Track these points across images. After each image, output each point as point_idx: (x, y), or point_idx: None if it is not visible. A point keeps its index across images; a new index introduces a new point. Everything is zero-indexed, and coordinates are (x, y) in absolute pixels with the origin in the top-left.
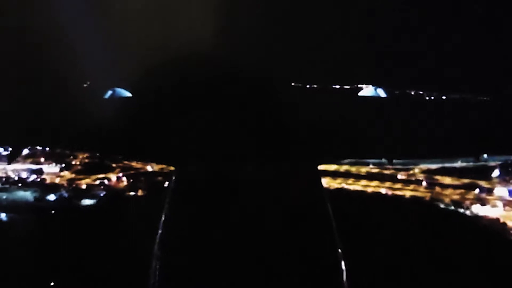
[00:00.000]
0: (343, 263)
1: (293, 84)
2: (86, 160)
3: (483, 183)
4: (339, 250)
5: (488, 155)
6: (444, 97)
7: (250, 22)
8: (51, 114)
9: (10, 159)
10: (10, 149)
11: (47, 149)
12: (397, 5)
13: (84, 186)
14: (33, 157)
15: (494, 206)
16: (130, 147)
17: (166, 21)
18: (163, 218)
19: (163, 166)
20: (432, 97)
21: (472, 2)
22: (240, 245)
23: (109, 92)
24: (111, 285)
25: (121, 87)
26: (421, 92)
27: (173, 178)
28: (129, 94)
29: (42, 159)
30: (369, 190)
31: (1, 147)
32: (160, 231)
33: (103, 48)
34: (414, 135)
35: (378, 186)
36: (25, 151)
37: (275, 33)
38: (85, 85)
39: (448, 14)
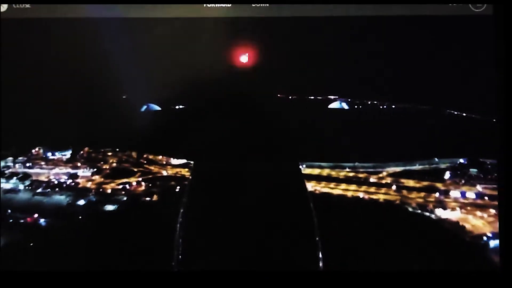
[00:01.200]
0: (318, 237)
1: (278, 95)
2: (114, 165)
3: (439, 185)
4: (316, 226)
5: (438, 158)
6: (393, 107)
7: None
8: (98, 122)
9: (56, 164)
10: (57, 153)
11: (84, 154)
12: (357, 37)
13: (109, 191)
14: (72, 161)
15: (453, 209)
16: (161, 147)
17: (187, 50)
18: (184, 201)
19: (185, 161)
20: (385, 107)
21: (418, 29)
22: (242, 221)
23: (144, 106)
24: (142, 258)
25: (153, 103)
26: (375, 102)
27: (192, 171)
28: (158, 108)
29: (79, 164)
30: (349, 194)
31: (49, 151)
32: (181, 211)
33: (141, 72)
34: (376, 140)
35: (357, 190)
36: (67, 156)
37: (265, 58)
38: (124, 97)
39: (397, 42)
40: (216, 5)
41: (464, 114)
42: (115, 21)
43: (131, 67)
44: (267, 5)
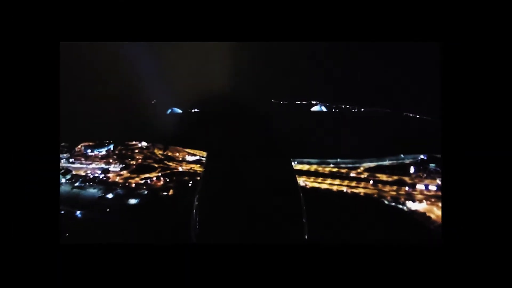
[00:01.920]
0: (305, 219)
1: (272, 100)
2: (140, 161)
3: (407, 179)
4: (304, 208)
5: (403, 155)
6: (362, 110)
7: (248, 70)
8: (133, 123)
9: (93, 159)
10: (97, 150)
11: (116, 151)
12: (333, 59)
13: (133, 185)
14: (106, 158)
15: (420, 201)
16: (181, 141)
17: (201, 68)
18: (200, 183)
19: (201, 153)
20: (356, 110)
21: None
22: (245, 204)
23: (169, 110)
24: (165, 229)
25: (176, 107)
26: (348, 106)
27: (207, 160)
28: (180, 111)
29: (111, 160)
30: (334, 188)
31: (89, 149)
32: (197, 196)
33: (167, 83)
34: (353, 139)
35: (341, 185)
36: (103, 153)
37: (262, 74)
38: (152, 102)
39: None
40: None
41: (417, 116)
42: (148, 47)
43: (159, 80)
44: (264, 42)
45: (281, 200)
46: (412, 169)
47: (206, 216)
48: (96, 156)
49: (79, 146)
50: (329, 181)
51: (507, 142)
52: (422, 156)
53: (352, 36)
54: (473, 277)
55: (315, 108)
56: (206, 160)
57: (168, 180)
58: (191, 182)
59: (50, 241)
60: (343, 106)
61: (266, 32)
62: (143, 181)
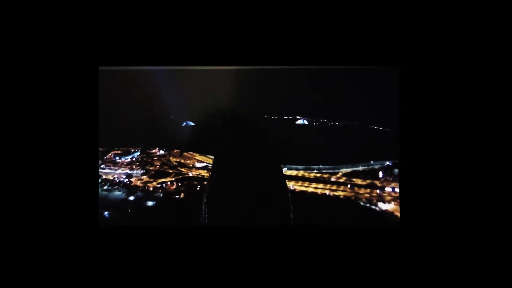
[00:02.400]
0: (291, 214)
1: (265, 116)
2: (157, 167)
3: (377, 183)
4: (289, 196)
5: (373, 161)
6: (337, 123)
7: (247, 92)
8: (155, 135)
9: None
10: (123, 157)
11: (139, 158)
12: (313, 82)
13: (151, 189)
14: (130, 164)
15: (389, 202)
16: (195, 149)
17: (210, 89)
18: (209, 180)
19: (209, 158)
20: (331, 124)
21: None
22: (244, 198)
23: (184, 123)
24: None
25: (190, 121)
26: (325, 120)
27: (214, 162)
28: (193, 124)
29: (134, 166)
30: (319, 191)
31: (117, 156)
32: (207, 186)
33: (182, 101)
34: (331, 148)
35: (324, 188)
36: (128, 160)
37: (258, 95)
38: (171, 117)
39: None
40: (225, 67)
41: (380, 128)
42: (169, 74)
43: (176, 99)
44: (264, 67)
45: (272, 192)
46: (380, 174)
47: (214, 208)
48: (122, 163)
49: (110, 154)
50: (314, 185)
51: (455, 153)
52: (388, 163)
53: (327, 62)
54: (425, 258)
55: (299, 122)
56: (213, 162)
57: (180, 184)
58: (199, 186)
59: (90, 226)
60: (321, 120)
61: (260, 60)
62: (159, 185)
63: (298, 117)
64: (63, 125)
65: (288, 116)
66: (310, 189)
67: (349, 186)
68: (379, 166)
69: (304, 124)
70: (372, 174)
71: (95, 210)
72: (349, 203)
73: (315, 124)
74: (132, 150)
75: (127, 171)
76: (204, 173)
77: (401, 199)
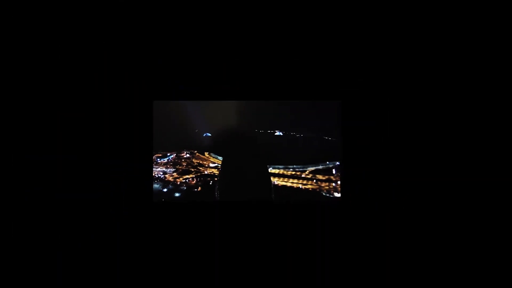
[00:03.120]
0: (273, 194)
1: (256, 130)
2: (184, 167)
3: (332, 178)
4: (271, 186)
5: (328, 162)
6: (302, 135)
7: (246, 114)
8: (185, 143)
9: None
10: (162, 159)
11: (172, 160)
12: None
13: (178, 183)
14: (166, 164)
15: (339, 192)
16: (212, 152)
17: (218, 112)
18: (219, 174)
19: (219, 159)
20: (298, 135)
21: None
22: (243, 185)
23: (204, 134)
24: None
25: (208, 132)
26: (293, 133)
27: (222, 161)
28: (210, 134)
29: (168, 165)
30: (294, 185)
31: (158, 158)
32: (217, 187)
33: (204, 120)
34: (300, 153)
35: (297, 183)
36: (165, 161)
37: (253, 116)
38: (196, 130)
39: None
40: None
41: (330, 139)
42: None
43: (200, 118)
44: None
45: (259, 187)
46: (334, 171)
47: (223, 192)
48: (161, 163)
49: (154, 157)
50: (290, 180)
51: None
52: (337, 163)
53: (285, 97)
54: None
55: (277, 133)
56: (222, 163)
57: (198, 180)
58: (211, 182)
59: (145, 200)
60: (291, 133)
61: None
62: (185, 181)
63: (276, 130)
64: (127, 135)
65: (269, 130)
66: (288, 184)
67: (314, 181)
68: (332, 165)
69: (280, 135)
70: (328, 171)
71: (150, 186)
72: (315, 193)
73: (288, 135)
74: (168, 154)
75: (164, 169)
76: (215, 171)
77: (342, 187)
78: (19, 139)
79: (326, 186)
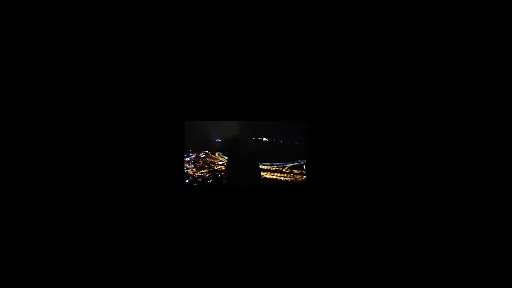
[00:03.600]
0: (261, 181)
1: (250, 137)
2: (200, 163)
3: (304, 171)
4: (261, 177)
5: (300, 160)
6: (281, 141)
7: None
8: (203, 145)
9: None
10: (187, 158)
11: (193, 159)
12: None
13: (196, 176)
14: (188, 161)
15: None
16: (220, 153)
17: (223, 126)
18: (225, 169)
19: (225, 158)
20: (280, 141)
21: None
22: (241, 172)
23: (216, 140)
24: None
25: (218, 138)
26: (276, 140)
27: (227, 161)
28: (219, 140)
29: (190, 162)
30: (278, 178)
31: (186, 157)
32: (225, 171)
33: (216, 131)
34: (280, 153)
35: (280, 176)
36: (187, 159)
37: (242, 128)
38: (210, 137)
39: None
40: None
41: (297, 143)
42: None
43: (213, 128)
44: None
45: (252, 177)
46: (304, 167)
47: (228, 182)
48: (185, 161)
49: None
50: (276, 174)
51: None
52: (305, 160)
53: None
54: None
55: (264, 140)
56: (227, 161)
57: (210, 174)
58: (219, 175)
59: (174, 184)
60: (273, 140)
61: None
62: (200, 174)
63: (263, 138)
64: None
65: (259, 138)
66: (274, 177)
67: (292, 174)
68: (303, 162)
69: (266, 141)
70: (301, 167)
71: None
72: (292, 183)
73: (272, 141)
74: (191, 154)
75: (187, 165)
76: (222, 167)
77: (307, 176)
78: (19, 139)
79: (301, 179)
